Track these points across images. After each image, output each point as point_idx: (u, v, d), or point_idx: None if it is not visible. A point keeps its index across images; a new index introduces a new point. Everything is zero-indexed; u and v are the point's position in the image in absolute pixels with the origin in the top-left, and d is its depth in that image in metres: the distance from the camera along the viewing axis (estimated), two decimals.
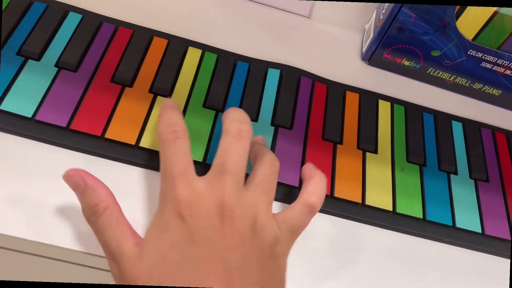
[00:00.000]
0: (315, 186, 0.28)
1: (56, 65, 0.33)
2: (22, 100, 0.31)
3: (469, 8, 0.36)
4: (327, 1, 0.46)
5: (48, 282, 0.24)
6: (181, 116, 0.28)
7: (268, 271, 0.24)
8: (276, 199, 0.32)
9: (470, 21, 0.37)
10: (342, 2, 0.47)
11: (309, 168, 0.30)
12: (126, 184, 0.30)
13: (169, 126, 0.27)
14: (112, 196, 0.25)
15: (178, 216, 0.24)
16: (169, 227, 0.24)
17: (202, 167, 0.31)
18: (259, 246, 0.25)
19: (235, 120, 0.27)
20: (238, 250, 0.24)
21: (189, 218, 0.24)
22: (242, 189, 0.26)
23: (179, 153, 0.26)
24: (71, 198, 0.28)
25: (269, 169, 0.27)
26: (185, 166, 0.26)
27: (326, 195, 0.32)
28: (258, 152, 0.29)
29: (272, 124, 0.35)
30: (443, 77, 0.42)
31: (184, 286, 0.22)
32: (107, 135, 0.31)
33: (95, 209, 0.25)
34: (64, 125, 0.30)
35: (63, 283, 0.24)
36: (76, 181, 0.25)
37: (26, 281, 0.23)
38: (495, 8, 0.36)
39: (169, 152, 0.26)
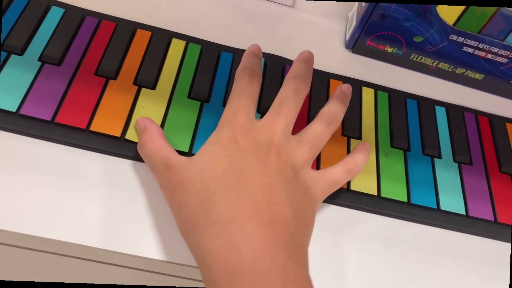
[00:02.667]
0: (358, 155, 0.32)
1: (39, 60, 0.33)
2: (6, 95, 0.31)
3: None
4: None
5: (48, 282, 0.24)
6: (261, 68, 0.32)
7: (303, 202, 0.27)
8: None
9: (451, 6, 0.38)
10: None
11: (361, 145, 0.34)
12: (113, 176, 0.30)
13: (248, 68, 0.31)
14: (161, 131, 0.30)
15: (233, 138, 0.27)
16: (222, 144, 0.27)
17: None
18: (297, 181, 0.28)
19: (296, 76, 0.31)
20: (280, 173, 0.27)
21: (241, 141, 0.27)
22: (291, 135, 0.29)
23: (250, 92, 0.30)
24: (57, 191, 0.29)
25: (322, 129, 0.30)
26: (250, 103, 0.29)
27: None
28: (327, 104, 0.32)
29: (258, 111, 0.35)
30: (426, 62, 0.42)
31: (231, 187, 0.25)
32: (92, 128, 0.31)
33: (144, 141, 0.29)
34: (49, 118, 0.31)
35: (63, 283, 0.24)
36: (140, 124, 0.30)
37: (26, 281, 0.24)
38: None
39: (241, 88, 0.30)
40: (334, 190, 0.31)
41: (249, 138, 0.27)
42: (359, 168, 0.32)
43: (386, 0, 0.36)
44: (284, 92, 0.30)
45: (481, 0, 0.32)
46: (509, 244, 0.34)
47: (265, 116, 0.29)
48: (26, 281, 0.24)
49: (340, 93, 0.33)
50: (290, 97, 0.30)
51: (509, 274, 0.33)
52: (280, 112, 0.29)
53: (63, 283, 0.25)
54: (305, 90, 0.31)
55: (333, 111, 0.31)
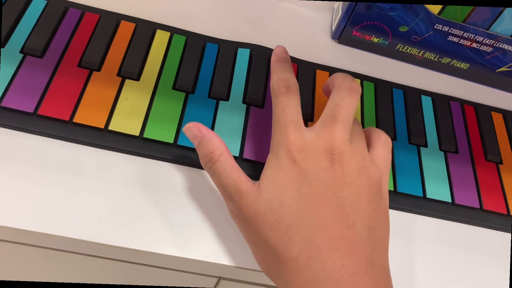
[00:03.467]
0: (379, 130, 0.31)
1: (21, 51, 0.33)
2: None
3: None
4: None
5: (48, 282, 0.24)
6: (293, 71, 0.31)
7: (376, 205, 0.27)
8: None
9: None
10: None
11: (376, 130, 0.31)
12: (97, 168, 0.30)
13: (282, 79, 0.29)
14: (225, 146, 0.28)
15: (291, 159, 0.26)
16: (283, 168, 0.26)
17: (174, 148, 0.31)
18: (367, 183, 0.27)
19: (347, 78, 0.29)
20: (349, 188, 0.26)
21: (301, 161, 0.26)
22: (349, 138, 0.27)
23: (292, 104, 0.28)
24: (40, 184, 0.28)
25: (345, 98, 0.28)
26: (296, 116, 0.28)
27: None
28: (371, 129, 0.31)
29: (244, 102, 0.35)
30: (412, 52, 0.42)
31: (302, 219, 0.25)
32: (75, 120, 0.31)
33: (211, 156, 0.27)
34: (31, 110, 0.30)
35: (63, 283, 0.24)
36: (194, 132, 0.28)
37: (26, 281, 0.23)
38: None
39: (282, 103, 0.28)
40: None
41: (307, 156, 0.26)
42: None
43: (381, 0, 0.36)
44: (338, 95, 0.28)
45: (482, 0, 0.32)
46: (496, 232, 0.34)
47: (318, 123, 0.27)
48: (26, 281, 0.24)
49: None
50: (346, 100, 0.27)
51: (498, 262, 0.33)
52: (337, 117, 0.27)
53: (63, 283, 0.24)
54: (359, 92, 0.28)
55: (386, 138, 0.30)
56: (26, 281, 0.23)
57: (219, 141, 0.28)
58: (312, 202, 0.25)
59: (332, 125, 0.27)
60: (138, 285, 0.28)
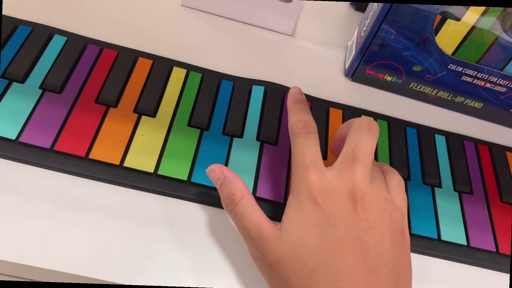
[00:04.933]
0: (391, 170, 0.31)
1: (40, 87, 0.33)
2: (6, 123, 0.31)
3: (447, 23, 0.37)
4: (310, 20, 0.47)
5: (48, 282, 0.24)
6: (310, 111, 0.31)
7: (399, 248, 0.26)
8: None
9: (449, 36, 0.38)
10: (326, 21, 0.48)
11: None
12: (112, 205, 0.30)
13: (300, 121, 0.30)
14: (246, 187, 0.28)
15: (312, 201, 0.26)
16: (304, 210, 0.26)
17: (187, 186, 0.31)
18: (390, 225, 0.26)
19: (364, 118, 0.29)
20: (372, 231, 0.25)
21: (323, 203, 0.26)
22: (370, 178, 0.27)
23: (311, 145, 0.28)
24: (57, 220, 0.28)
25: (367, 139, 0.28)
26: (315, 157, 0.28)
27: None
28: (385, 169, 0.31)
29: (258, 139, 0.35)
30: (426, 91, 0.42)
31: (327, 264, 0.24)
32: (91, 156, 0.31)
33: (232, 198, 0.27)
34: (48, 146, 0.31)
35: (63, 283, 0.24)
36: (217, 174, 0.28)
37: (26, 281, 0.23)
38: (472, 23, 0.37)
39: (302, 144, 0.28)
40: None
41: (329, 198, 0.26)
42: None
43: (398, 0, 0.36)
44: (356, 134, 0.28)
45: (482, 0, 0.32)
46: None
47: (338, 164, 0.27)
48: (26, 281, 0.24)
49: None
50: (366, 138, 0.27)
51: None
52: (357, 157, 0.27)
53: (63, 283, 0.24)
54: (378, 131, 0.28)
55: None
56: (26, 281, 0.23)
57: (240, 183, 0.28)
58: (335, 246, 0.25)
59: (352, 165, 0.27)
60: (138, 285, 0.27)
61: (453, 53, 0.39)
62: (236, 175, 0.28)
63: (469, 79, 0.40)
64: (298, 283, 0.25)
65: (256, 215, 0.27)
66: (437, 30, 0.37)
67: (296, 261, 0.25)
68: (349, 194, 0.26)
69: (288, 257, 0.25)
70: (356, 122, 0.29)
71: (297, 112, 0.30)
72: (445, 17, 0.37)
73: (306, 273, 0.24)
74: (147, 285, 0.27)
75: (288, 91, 0.39)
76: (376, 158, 0.37)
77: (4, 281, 0.23)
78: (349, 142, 0.28)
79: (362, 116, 0.39)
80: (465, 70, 0.40)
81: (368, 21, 0.39)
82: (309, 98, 0.39)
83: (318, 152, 0.28)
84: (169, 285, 0.28)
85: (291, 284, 0.25)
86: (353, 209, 0.26)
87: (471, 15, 0.37)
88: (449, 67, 0.40)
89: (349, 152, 0.27)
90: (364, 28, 0.40)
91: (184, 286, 0.28)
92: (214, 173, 0.29)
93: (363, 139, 0.27)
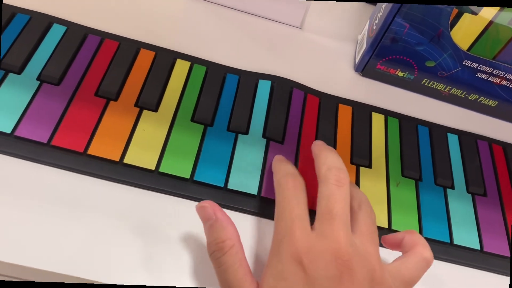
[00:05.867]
0: (425, 242, 0.28)
1: (38, 79, 0.32)
2: (1, 116, 0.29)
3: (463, 18, 0.35)
4: (319, 12, 0.45)
5: (48, 282, 0.23)
6: (295, 167, 0.30)
7: None
8: (270, 217, 0.30)
9: (465, 31, 0.36)
10: (335, 13, 0.46)
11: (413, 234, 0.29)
12: (110, 204, 0.29)
13: (289, 175, 0.28)
14: (238, 235, 0.25)
15: (296, 262, 0.24)
16: (286, 274, 0.24)
17: (190, 184, 0.30)
18: None
19: (333, 167, 0.27)
20: None
21: (308, 266, 0.23)
22: (352, 237, 0.25)
23: (298, 199, 0.26)
24: (53, 217, 0.27)
25: (370, 218, 0.27)
26: (302, 212, 0.26)
27: None
28: (353, 197, 0.28)
29: (264, 136, 0.34)
30: (438, 88, 0.41)
31: None
32: (89, 151, 0.29)
33: (222, 246, 0.25)
34: (45, 141, 0.29)
35: (63, 283, 0.23)
36: (208, 213, 0.26)
37: (26, 281, 0.22)
38: (490, 18, 0.35)
39: (289, 196, 0.26)
40: None
41: (316, 260, 0.24)
42: (432, 256, 0.28)
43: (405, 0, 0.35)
44: (325, 189, 0.26)
45: (482, 0, 0.31)
46: None
47: (317, 223, 0.25)
48: (26, 281, 0.23)
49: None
50: (337, 193, 0.26)
51: None
52: (334, 214, 0.25)
53: (63, 283, 0.23)
54: (347, 180, 0.27)
55: (363, 196, 0.29)
56: (26, 281, 0.22)
57: (233, 229, 0.25)
58: None
59: (332, 222, 0.25)
60: (138, 285, 0.26)
61: (469, 49, 0.37)
62: (229, 219, 0.26)
63: (484, 76, 0.39)
64: None
65: (242, 271, 0.24)
66: (452, 25, 0.36)
67: None
68: (335, 257, 0.24)
69: None
70: (322, 173, 0.27)
71: (283, 167, 0.29)
72: (461, 11, 0.35)
73: None
74: (146, 285, 0.26)
75: (296, 85, 0.37)
76: (387, 157, 0.35)
77: (4, 281, 0.22)
78: (321, 198, 0.26)
79: (372, 113, 0.38)
80: (480, 67, 0.38)
81: (381, 14, 0.38)
82: (317, 93, 0.37)
83: (305, 208, 0.26)
84: (169, 285, 0.27)
85: None
86: (339, 276, 0.23)
87: (489, 10, 0.35)
88: (464, 63, 0.38)
89: (324, 209, 0.25)
90: (376, 21, 0.38)
91: (184, 286, 0.27)
92: (205, 211, 0.26)
93: (334, 194, 0.26)
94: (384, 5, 0.38)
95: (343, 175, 0.27)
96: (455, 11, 0.35)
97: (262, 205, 0.30)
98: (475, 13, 0.35)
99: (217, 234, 0.25)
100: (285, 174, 0.28)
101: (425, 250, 0.27)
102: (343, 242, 0.24)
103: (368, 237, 0.26)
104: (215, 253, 0.25)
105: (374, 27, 0.39)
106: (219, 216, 0.25)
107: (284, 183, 0.27)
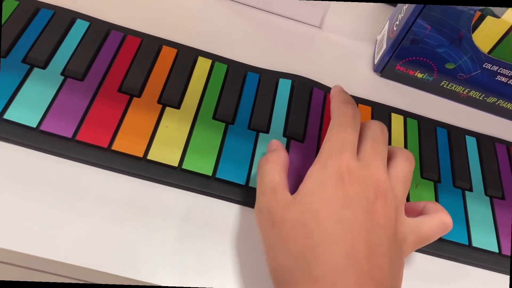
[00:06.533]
0: (445, 210, 0.29)
1: (62, 74, 0.32)
2: (27, 110, 0.30)
3: (486, 21, 0.35)
4: (338, 11, 0.45)
5: (48, 282, 0.23)
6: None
7: (399, 260, 0.25)
8: None
9: (487, 34, 0.36)
10: (353, 13, 0.46)
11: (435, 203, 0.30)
12: (134, 200, 0.29)
13: (350, 102, 0.29)
14: (286, 156, 0.29)
15: (339, 177, 0.25)
16: (327, 185, 0.25)
17: (212, 181, 0.30)
18: (397, 235, 0.26)
19: (377, 121, 0.30)
20: (385, 229, 0.25)
21: (349, 183, 0.25)
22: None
23: (354, 127, 0.28)
24: (76, 211, 0.27)
25: (409, 167, 0.28)
26: (355, 139, 0.27)
27: None
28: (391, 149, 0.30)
29: (284, 135, 0.34)
30: (457, 90, 0.41)
31: (336, 242, 0.23)
32: (114, 147, 0.30)
33: (266, 157, 0.28)
34: (70, 136, 0.29)
35: (63, 283, 0.23)
36: (273, 146, 0.30)
37: (26, 281, 0.23)
38: None
39: (346, 120, 0.28)
40: (424, 245, 0.28)
41: (357, 182, 0.25)
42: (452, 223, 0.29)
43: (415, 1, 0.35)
44: (372, 132, 0.28)
45: (482, 0, 0.31)
46: None
47: (362, 152, 0.27)
48: (26, 281, 0.23)
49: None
50: (380, 137, 0.28)
51: None
52: (378, 152, 0.27)
53: (63, 283, 0.24)
54: (386, 131, 0.29)
55: (408, 153, 0.29)
56: (26, 281, 0.23)
57: (282, 152, 0.29)
58: (349, 229, 0.24)
59: (375, 157, 0.27)
60: (138, 285, 0.26)
61: (489, 52, 0.37)
62: (284, 150, 0.29)
63: (504, 79, 0.39)
64: (298, 249, 0.24)
65: (280, 177, 0.27)
66: (474, 27, 0.36)
67: (303, 228, 0.24)
68: (374, 184, 0.26)
69: (295, 223, 0.24)
70: (366, 123, 0.29)
71: (346, 96, 0.30)
72: (484, 14, 0.35)
73: (310, 243, 0.24)
74: (149, 284, 0.26)
75: (316, 85, 0.37)
76: None
77: (4, 281, 0.22)
78: (368, 136, 0.28)
79: (392, 114, 0.38)
80: (500, 70, 0.38)
81: (402, 15, 0.38)
82: None
83: (357, 137, 0.28)
84: (172, 285, 0.27)
85: (289, 249, 0.24)
86: (374, 200, 0.25)
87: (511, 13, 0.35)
88: (484, 66, 0.38)
89: (369, 144, 0.27)
90: (397, 22, 0.38)
91: (185, 286, 0.27)
92: (271, 144, 0.30)
93: (378, 137, 0.28)
94: (405, 6, 0.38)
95: (385, 127, 0.29)
96: (478, 13, 0.35)
97: None
98: (498, 16, 0.35)
99: (268, 155, 0.29)
100: (347, 101, 0.29)
101: (447, 216, 0.28)
102: (382, 176, 0.26)
103: (402, 180, 0.27)
104: (260, 162, 0.28)
105: (394, 28, 0.39)
106: (275, 146, 0.30)
107: (344, 109, 0.29)
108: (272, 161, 0.28)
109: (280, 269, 0.24)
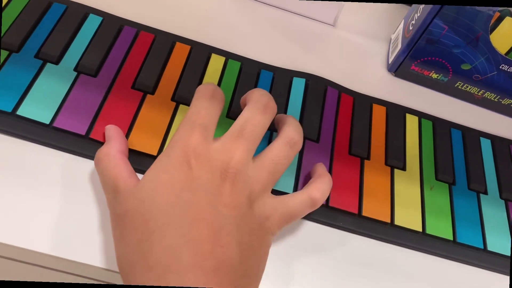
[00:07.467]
0: (323, 184, 0.28)
1: (75, 69, 0.32)
2: (40, 106, 0.29)
3: (505, 21, 0.35)
4: (352, 9, 0.45)
5: (48, 282, 0.23)
6: (222, 92, 0.28)
7: (255, 240, 0.24)
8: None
9: (504, 35, 0.36)
10: (367, 11, 0.46)
11: (322, 168, 0.30)
12: None
13: (212, 87, 0.27)
14: (122, 146, 0.27)
15: (184, 160, 0.24)
16: (170, 169, 0.24)
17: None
18: (250, 215, 0.25)
19: (265, 96, 0.27)
20: (232, 210, 0.24)
21: (194, 165, 0.24)
22: (251, 159, 0.26)
23: (210, 109, 0.26)
24: (89, 208, 0.27)
25: (285, 152, 0.27)
26: (209, 122, 0.26)
27: (354, 214, 0.31)
28: (282, 122, 0.29)
29: None
30: (472, 91, 0.40)
31: (172, 226, 0.22)
32: (128, 145, 0.29)
33: (98, 156, 0.27)
34: (83, 133, 0.29)
35: (63, 283, 0.23)
36: (107, 134, 0.28)
37: (26, 281, 0.22)
38: None
39: (201, 105, 0.26)
40: (292, 222, 0.27)
41: (203, 163, 0.24)
42: (324, 199, 0.28)
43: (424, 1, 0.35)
44: (250, 110, 0.26)
45: (482, 0, 0.30)
46: None
47: (224, 136, 0.26)
48: (26, 281, 0.23)
49: (295, 121, 0.30)
50: (257, 116, 0.26)
51: None
52: (243, 133, 0.25)
53: (63, 283, 0.23)
54: (274, 112, 0.27)
55: (294, 134, 0.28)
56: (26, 281, 0.22)
57: (116, 142, 0.27)
58: (188, 210, 0.23)
59: (237, 140, 0.25)
60: (138, 285, 0.26)
61: (507, 53, 0.37)
62: (119, 135, 0.28)
63: None
64: (135, 241, 0.23)
65: (117, 170, 0.25)
66: (492, 28, 0.35)
67: (141, 218, 0.23)
68: (223, 167, 0.24)
69: (134, 213, 0.23)
70: (254, 96, 0.27)
71: (210, 83, 0.28)
72: (503, 15, 0.35)
73: (147, 231, 0.22)
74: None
75: (330, 84, 0.37)
76: (420, 160, 0.35)
77: (4, 281, 0.22)
78: (241, 116, 0.26)
79: (406, 114, 0.37)
80: None
81: (418, 14, 0.37)
82: (351, 93, 0.37)
83: (214, 120, 0.26)
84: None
85: (129, 241, 0.23)
86: (220, 183, 0.24)
87: None
88: (500, 67, 0.37)
89: (237, 127, 0.26)
90: (413, 22, 0.38)
91: (185, 286, 0.26)
92: (106, 132, 0.29)
93: (255, 117, 0.26)
94: (422, 5, 0.37)
95: (272, 105, 0.27)
96: (496, 14, 0.34)
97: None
98: None
99: (100, 149, 0.27)
100: (210, 85, 0.27)
101: (317, 191, 0.27)
102: (236, 158, 0.25)
103: (267, 164, 0.26)
104: (96, 161, 0.27)
105: (410, 28, 0.38)
106: (110, 133, 0.28)
107: (202, 89, 0.27)
108: (104, 156, 0.26)
109: (122, 259, 0.23)
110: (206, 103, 0.26)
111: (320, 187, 0.28)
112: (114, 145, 0.27)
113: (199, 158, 0.24)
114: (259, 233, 0.25)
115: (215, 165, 0.24)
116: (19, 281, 0.23)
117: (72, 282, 0.25)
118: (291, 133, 0.27)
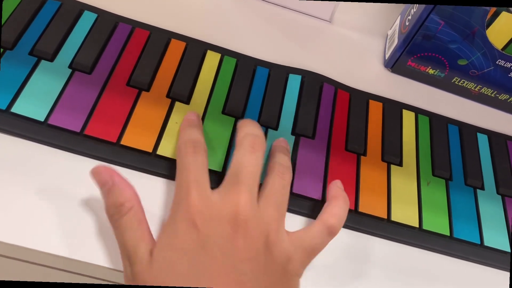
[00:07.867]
0: (337, 207, 0.28)
1: (70, 67, 0.31)
2: (34, 103, 0.29)
3: (501, 16, 0.35)
4: (348, 5, 0.44)
5: (48, 282, 0.23)
6: (202, 133, 0.29)
7: (279, 284, 0.24)
8: (300, 213, 0.30)
9: (501, 30, 0.36)
10: (363, 7, 0.46)
11: (336, 187, 0.29)
12: (142, 194, 0.28)
13: (190, 141, 0.27)
14: (137, 197, 0.25)
15: (190, 222, 0.23)
16: (179, 233, 0.24)
17: (221, 177, 0.30)
18: (271, 262, 0.24)
19: (249, 133, 0.27)
20: (251, 263, 0.23)
21: (201, 225, 0.23)
22: (256, 202, 0.25)
23: (197, 163, 0.26)
24: (85, 205, 0.27)
25: (279, 182, 0.27)
26: (200, 175, 0.25)
27: (350, 210, 0.31)
28: (274, 162, 0.28)
29: (293, 133, 0.33)
30: (468, 86, 0.40)
31: None
32: (122, 142, 0.29)
33: (120, 209, 0.24)
34: (78, 130, 0.29)
35: (63, 283, 0.23)
36: (105, 177, 0.25)
37: (26, 281, 0.22)
38: None
39: (187, 161, 0.26)
40: (316, 256, 0.26)
41: (210, 221, 0.23)
42: (341, 224, 0.27)
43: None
44: (239, 154, 0.26)
45: (481, 0, 0.30)
46: None
47: (222, 186, 0.25)
48: (26, 281, 0.23)
49: (279, 146, 0.31)
50: (247, 158, 0.26)
51: None
52: (240, 178, 0.25)
53: (63, 283, 0.23)
54: (262, 147, 0.27)
55: (281, 162, 0.28)
56: (26, 281, 0.22)
57: (131, 191, 0.25)
58: (207, 277, 0.22)
59: (236, 186, 0.25)
60: (138, 285, 0.26)
61: (503, 48, 0.37)
62: (127, 182, 0.25)
63: None
64: None
65: (139, 232, 0.24)
66: (488, 23, 0.35)
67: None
68: (231, 217, 0.24)
69: (155, 284, 0.22)
70: (239, 139, 0.27)
71: (186, 133, 0.28)
72: (499, 10, 0.34)
73: None
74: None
75: (326, 80, 0.37)
76: (417, 156, 0.35)
77: (4, 281, 0.21)
78: (233, 162, 0.26)
79: (403, 110, 0.37)
80: None
81: (415, 10, 0.37)
82: (347, 89, 0.37)
83: (205, 171, 0.26)
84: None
85: None
86: (233, 234, 0.23)
87: None
88: (497, 62, 0.37)
89: (233, 173, 0.26)
90: (409, 17, 0.38)
91: (185, 286, 0.26)
92: (101, 176, 0.25)
93: (245, 159, 0.26)
94: None
95: (259, 141, 0.27)
96: (492, 9, 0.34)
97: (294, 200, 0.30)
98: None
99: (116, 198, 0.24)
100: (187, 139, 0.27)
101: (332, 217, 0.27)
102: (242, 204, 0.24)
103: (272, 200, 0.26)
104: (114, 216, 0.24)
105: (407, 23, 0.38)
106: (116, 180, 0.25)
107: (183, 149, 0.27)
108: (128, 212, 0.24)
109: None
110: (191, 158, 0.26)
111: (334, 212, 0.27)
112: (133, 195, 0.25)
113: (202, 215, 0.24)
114: (283, 279, 0.24)
115: (223, 217, 0.24)
116: (19, 281, 0.23)
117: (72, 282, 0.25)
118: (333, 220, 0.27)
